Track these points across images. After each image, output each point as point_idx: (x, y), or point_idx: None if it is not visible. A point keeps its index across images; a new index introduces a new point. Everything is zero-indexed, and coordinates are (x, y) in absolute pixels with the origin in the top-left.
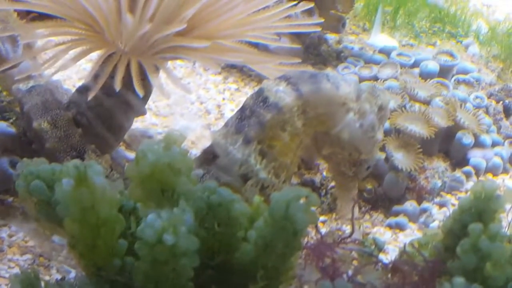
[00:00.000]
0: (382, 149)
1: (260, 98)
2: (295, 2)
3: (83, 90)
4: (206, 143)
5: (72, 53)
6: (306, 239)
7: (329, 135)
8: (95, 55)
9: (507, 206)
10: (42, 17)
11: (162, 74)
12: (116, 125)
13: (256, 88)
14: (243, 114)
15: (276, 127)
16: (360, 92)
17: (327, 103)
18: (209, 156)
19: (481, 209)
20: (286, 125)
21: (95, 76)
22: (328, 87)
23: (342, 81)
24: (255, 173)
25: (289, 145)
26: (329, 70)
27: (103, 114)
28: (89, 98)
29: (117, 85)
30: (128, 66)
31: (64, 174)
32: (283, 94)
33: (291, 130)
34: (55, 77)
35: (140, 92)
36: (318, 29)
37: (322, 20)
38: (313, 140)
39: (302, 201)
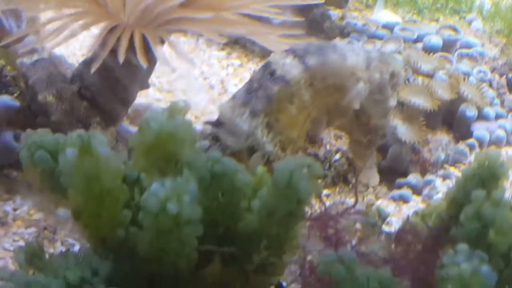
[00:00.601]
0: None
1: (267, 71)
2: None
3: (86, 63)
4: (209, 117)
5: (75, 26)
6: (309, 211)
7: (340, 106)
8: (98, 31)
9: (510, 174)
10: None
11: (166, 48)
12: (120, 97)
13: (260, 64)
14: (251, 87)
15: (284, 100)
16: (370, 60)
17: (335, 74)
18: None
19: (484, 177)
20: (294, 98)
21: (99, 48)
22: (335, 58)
23: (350, 51)
24: (261, 146)
25: (296, 118)
26: (337, 41)
27: (107, 87)
28: (92, 70)
29: (121, 57)
30: (131, 39)
31: (68, 144)
32: (290, 67)
33: (299, 103)
34: (58, 52)
35: (144, 63)
36: (321, 1)
37: None
38: (324, 112)
39: (305, 170)
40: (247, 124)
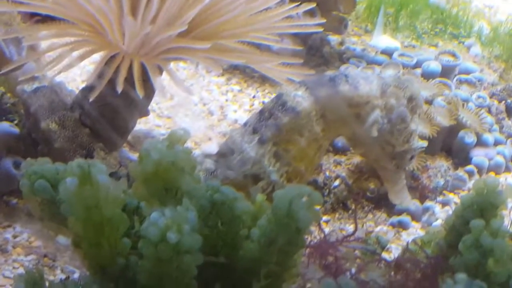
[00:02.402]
0: None
1: (279, 102)
2: (297, 4)
3: (86, 91)
4: (209, 144)
5: (75, 54)
6: (309, 238)
7: (358, 135)
8: (98, 57)
9: (509, 203)
10: (45, 19)
11: (165, 76)
12: (119, 125)
13: (259, 89)
14: (262, 116)
15: (293, 131)
16: (385, 87)
17: (347, 104)
18: (224, 152)
19: (483, 205)
20: (303, 130)
21: (98, 77)
22: (346, 89)
23: (362, 79)
24: (267, 174)
25: (306, 151)
26: (350, 69)
27: (106, 114)
28: (91, 99)
29: (119, 86)
30: (130, 67)
31: (68, 173)
32: (301, 99)
33: (309, 135)
34: (59, 79)
35: (140, 93)
36: (320, 29)
37: (324, 20)
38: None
39: (304, 199)
40: (254, 151)
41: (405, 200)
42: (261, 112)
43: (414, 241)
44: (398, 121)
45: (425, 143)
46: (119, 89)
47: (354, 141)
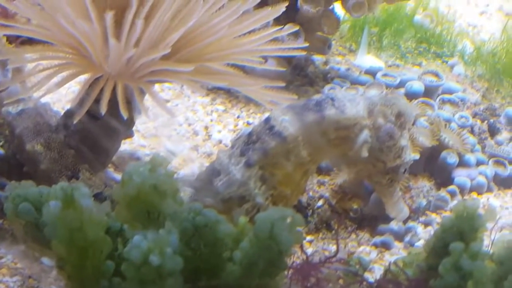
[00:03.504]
0: None
1: (267, 126)
2: (281, 27)
3: (70, 113)
4: (192, 165)
5: (60, 76)
6: (292, 259)
7: (349, 156)
8: (84, 77)
9: (489, 225)
10: (31, 41)
11: (149, 97)
12: (103, 147)
13: (244, 109)
14: (250, 139)
15: (280, 155)
16: (372, 106)
17: (334, 128)
18: (211, 173)
19: (463, 228)
20: (290, 155)
21: (82, 99)
22: (332, 113)
23: (349, 102)
24: (252, 197)
25: (292, 175)
26: (337, 91)
27: (90, 136)
28: (75, 121)
29: (103, 108)
30: (114, 90)
31: (51, 196)
32: (288, 124)
33: (295, 160)
34: (44, 100)
35: (125, 114)
36: (303, 53)
37: (307, 44)
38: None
39: (287, 221)
40: (240, 173)
41: (402, 211)
42: (249, 135)
43: (395, 262)
44: (386, 138)
45: (417, 156)
46: (103, 111)
47: (345, 162)
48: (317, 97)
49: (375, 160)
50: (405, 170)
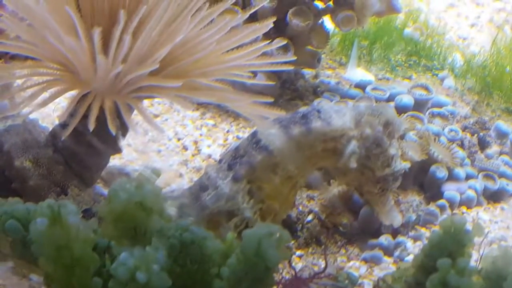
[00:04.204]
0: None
1: (254, 140)
2: (270, 41)
3: (58, 129)
4: (180, 181)
5: (49, 92)
6: (281, 274)
7: (338, 167)
8: (72, 94)
9: (478, 239)
10: (18, 57)
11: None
12: (91, 163)
13: (233, 124)
14: (237, 153)
15: (267, 169)
16: (358, 116)
17: (321, 140)
18: (198, 188)
19: (450, 244)
20: (277, 169)
21: (70, 116)
22: (319, 125)
23: (335, 113)
24: (240, 211)
25: (280, 188)
26: (323, 103)
27: (79, 152)
28: (63, 138)
29: (91, 125)
30: (102, 106)
31: (38, 213)
32: (274, 137)
33: (283, 173)
34: (33, 116)
35: (113, 130)
36: (292, 67)
37: (295, 58)
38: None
39: (274, 237)
40: (228, 187)
41: (396, 219)
42: (236, 149)
43: (383, 278)
44: (373, 146)
45: (408, 164)
46: (91, 127)
47: (335, 173)
48: (303, 109)
49: (363, 167)
50: (397, 179)
